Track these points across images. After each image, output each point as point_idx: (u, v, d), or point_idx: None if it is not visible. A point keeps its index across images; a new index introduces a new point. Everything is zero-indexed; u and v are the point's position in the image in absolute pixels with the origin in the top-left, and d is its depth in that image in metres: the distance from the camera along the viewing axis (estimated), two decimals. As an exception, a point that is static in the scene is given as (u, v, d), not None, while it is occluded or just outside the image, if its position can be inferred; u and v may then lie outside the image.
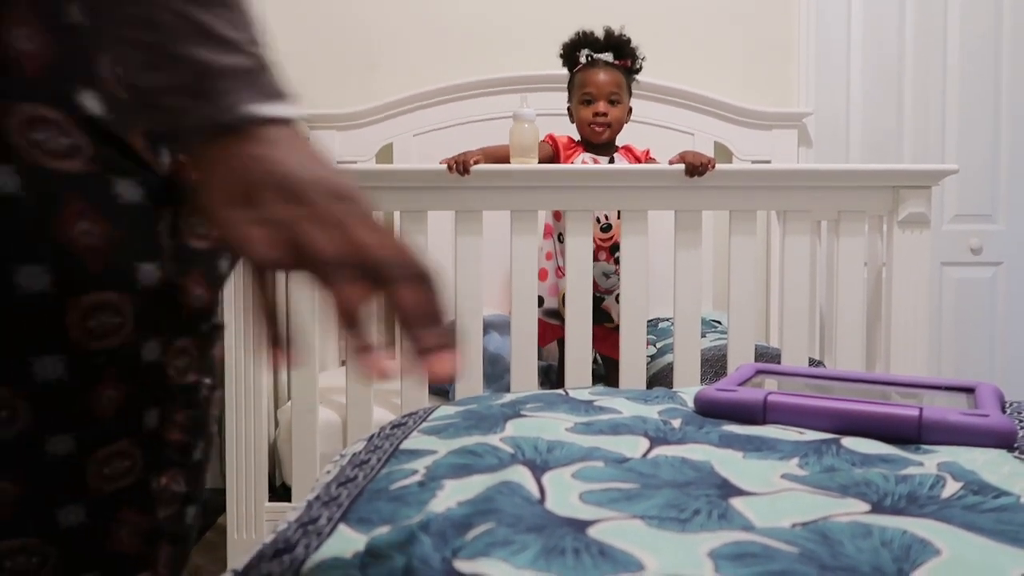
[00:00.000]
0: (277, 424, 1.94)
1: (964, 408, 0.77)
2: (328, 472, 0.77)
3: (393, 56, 2.55)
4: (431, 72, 2.52)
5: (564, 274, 1.75)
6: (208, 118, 0.43)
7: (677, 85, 2.55)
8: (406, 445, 0.74)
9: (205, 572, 1.73)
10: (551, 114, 2.18)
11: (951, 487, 0.58)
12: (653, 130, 2.48)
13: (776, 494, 0.57)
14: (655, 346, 2.15)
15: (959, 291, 2.68)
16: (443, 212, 1.76)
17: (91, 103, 0.46)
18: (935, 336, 2.60)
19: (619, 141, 2.01)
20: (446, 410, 0.89)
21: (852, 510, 0.54)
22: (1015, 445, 0.71)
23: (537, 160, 1.84)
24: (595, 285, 1.90)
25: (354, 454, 0.79)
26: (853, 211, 1.70)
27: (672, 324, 1.78)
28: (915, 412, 0.73)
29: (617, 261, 1.83)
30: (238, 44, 0.43)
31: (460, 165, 1.66)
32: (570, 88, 1.99)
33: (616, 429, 0.76)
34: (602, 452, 0.67)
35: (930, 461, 0.66)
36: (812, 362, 1.89)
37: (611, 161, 1.95)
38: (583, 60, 1.95)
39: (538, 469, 0.62)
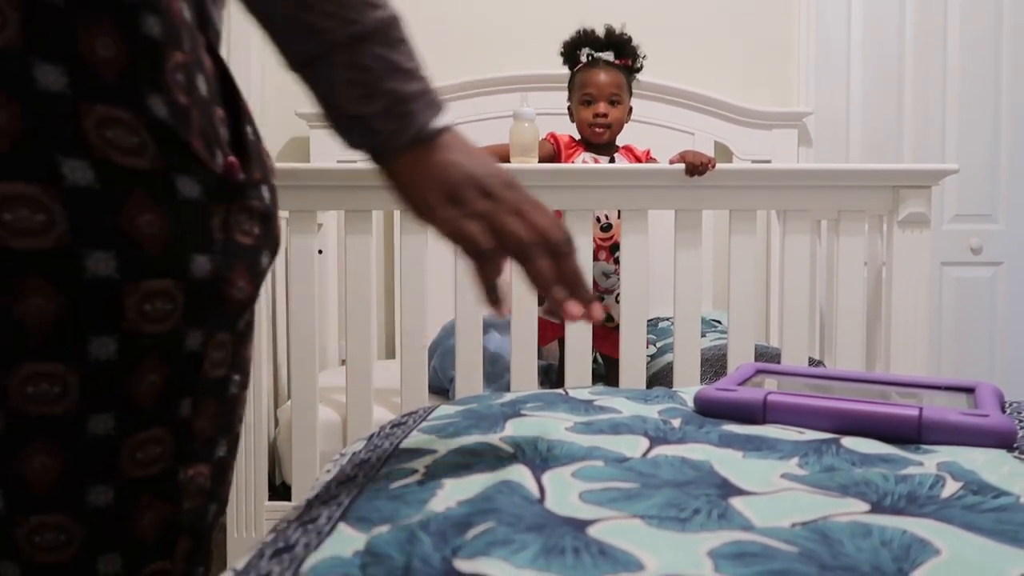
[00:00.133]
0: (277, 423, 1.94)
1: (964, 408, 0.77)
2: (328, 471, 0.77)
3: (393, 55, 2.54)
4: (431, 71, 2.51)
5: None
6: (408, 135, 0.56)
7: (677, 84, 2.56)
8: (406, 444, 0.74)
9: (205, 571, 1.73)
10: (551, 113, 2.18)
11: (951, 487, 0.58)
12: (653, 129, 2.48)
13: (776, 494, 0.57)
14: (655, 345, 2.15)
15: (959, 291, 2.68)
16: (443, 211, 1.76)
17: (158, 107, 0.50)
18: (935, 336, 2.60)
19: (619, 141, 2.01)
20: (446, 409, 0.89)
21: (852, 510, 0.54)
22: (1015, 445, 0.71)
23: (537, 159, 1.84)
24: (595, 284, 1.90)
25: (354, 453, 0.79)
26: (853, 211, 1.70)
27: (672, 324, 1.78)
28: (915, 412, 0.73)
29: (617, 261, 1.83)
30: (416, 72, 0.57)
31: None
32: (570, 87, 1.99)
33: (616, 429, 0.76)
34: (602, 451, 0.68)
35: (930, 461, 0.66)
36: (812, 362, 1.89)
37: (611, 161, 1.95)
38: (584, 59, 1.95)
39: (538, 468, 0.62)
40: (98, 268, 0.48)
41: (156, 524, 0.55)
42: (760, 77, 2.66)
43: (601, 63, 1.93)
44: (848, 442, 0.71)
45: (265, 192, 0.59)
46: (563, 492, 0.57)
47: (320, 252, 2.09)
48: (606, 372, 2.03)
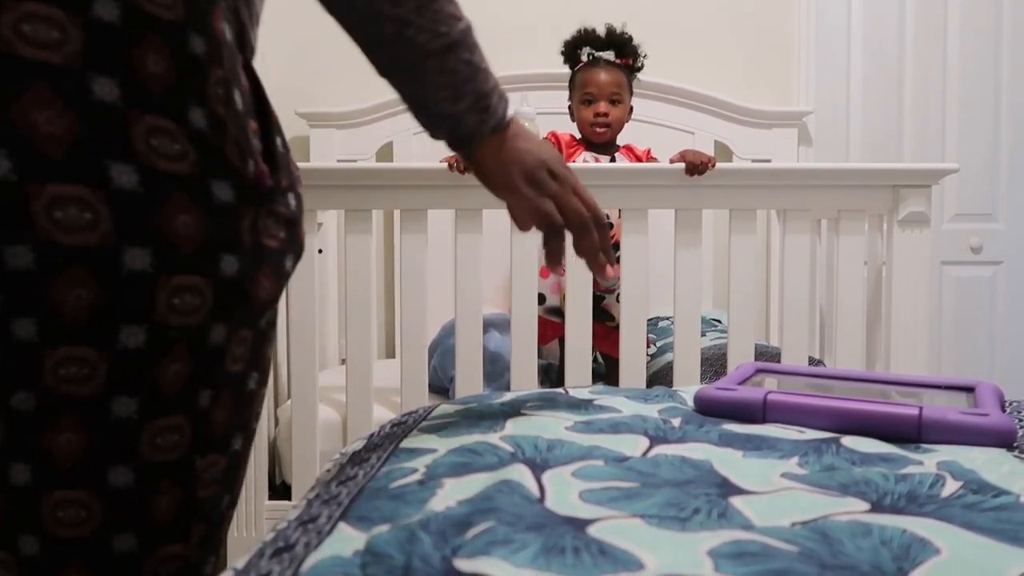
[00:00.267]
0: (277, 422, 1.94)
1: (964, 407, 0.77)
2: (328, 470, 0.77)
3: (393, 55, 2.54)
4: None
5: (566, 272, 1.75)
6: (489, 126, 0.66)
7: (677, 84, 2.55)
8: (406, 444, 0.74)
9: (205, 570, 1.73)
10: (551, 112, 2.18)
11: (951, 486, 0.58)
12: (653, 129, 2.48)
13: (776, 493, 0.57)
14: (655, 345, 2.15)
15: (959, 290, 2.68)
16: (443, 211, 1.76)
17: (198, 118, 0.54)
18: (935, 335, 2.60)
19: (620, 140, 2.01)
20: (446, 408, 0.89)
21: (852, 509, 0.54)
22: (1015, 444, 0.71)
23: (537, 159, 1.84)
24: (595, 284, 1.90)
25: (354, 452, 0.79)
26: (853, 210, 1.70)
27: (672, 323, 1.78)
28: (915, 411, 0.73)
29: (618, 260, 1.83)
30: (488, 71, 0.65)
31: (460, 164, 1.66)
32: (571, 86, 1.99)
33: (616, 428, 0.76)
34: (602, 451, 0.68)
35: (930, 460, 0.66)
36: (812, 361, 1.89)
37: (612, 160, 1.95)
38: (584, 58, 1.95)
39: (538, 468, 0.62)
40: (134, 263, 0.52)
41: (172, 509, 0.57)
42: (760, 76, 2.66)
43: (602, 62, 1.93)
44: (848, 441, 0.71)
45: (291, 199, 0.63)
46: (563, 491, 0.57)
47: (320, 252, 2.09)
48: (606, 371, 2.03)
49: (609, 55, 1.93)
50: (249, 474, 1.76)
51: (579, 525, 0.50)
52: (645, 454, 0.67)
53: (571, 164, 1.89)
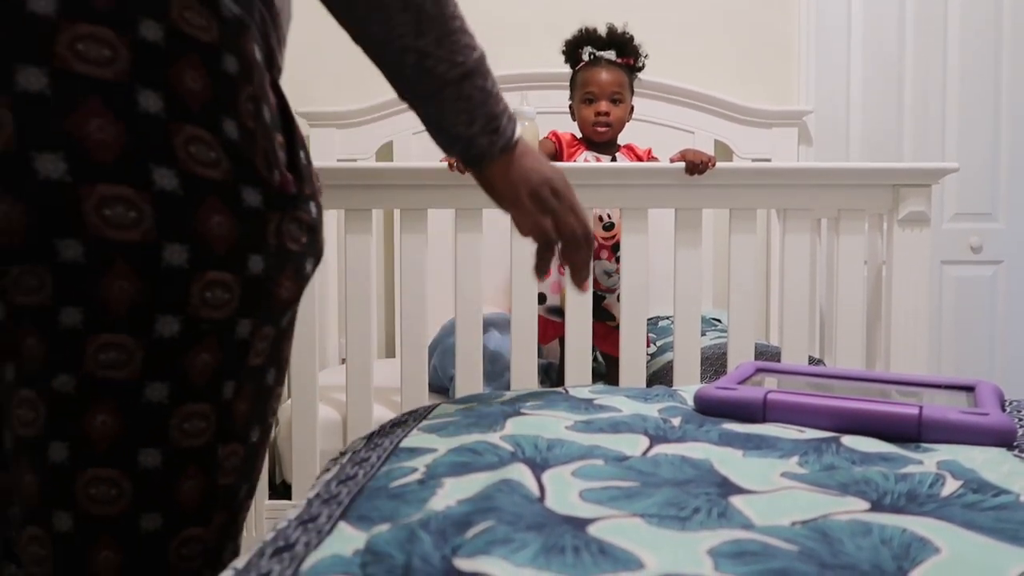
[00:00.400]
0: (277, 422, 1.94)
1: (964, 407, 0.77)
2: (328, 470, 0.77)
3: (393, 54, 2.54)
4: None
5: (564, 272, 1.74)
6: (499, 146, 0.71)
7: (677, 83, 2.55)
8: (406, 443, 0.74)
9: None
10: (552, 112, 2.18)
11: (951, 485, 0.58)
12: (653, 128, 2.48)
13: (776, 492, 0.57)
14: (655, 344, 2.15)
15: (959, 290, 2.68)
16: (443, 210, 1.76)
17: (231, 129, 0.60)
18: (935, 335, 2.60)
19: (621, 140, 2.01)
20: (446, 408, 0.89)
21: (852, 508, 0.54)
22: (1015, 444, 0.71)
23: (537, 158, 1.83)
24: (596, 283, 1.90)
25: (354, 452, 0.79)
26: (853, 209, 1.70)
27: (672, 322, 1.78)
28: (915, 411, 0.73)
29: (619, 260, 1.83)
30: (499, 95, 0.70)
31: (460, 163, 1.66)
32: (572, 86, 1.99)
33: (616, 427, 0.76)
34: (602, 450, 0.68)
35: (930, 459, 0.66)
36: (812, 360, 1.89)
37: (613, 160, 1.95)
38: (585, 58, 1.95)
39: (538, 467, 0.62)
40: (173, 259, 0.57)
41: (195, 493, 0.62)
42: (760, 76, 2.66)
43: (603, 62, 1.93)
44: (848, 441, 0.71)
45: (313, 208, 0.69)
46: (563, 491, 0.57)
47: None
48: (606, 371, 2.03)
49: (610, 54, 1.93)
50: (249, 473, 1.76)
51: (579, 524, 0.50)
52: (645, 453, 0.67)
53: (572, 163, 1.89)
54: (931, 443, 0.71)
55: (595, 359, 1.95)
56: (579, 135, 1.99)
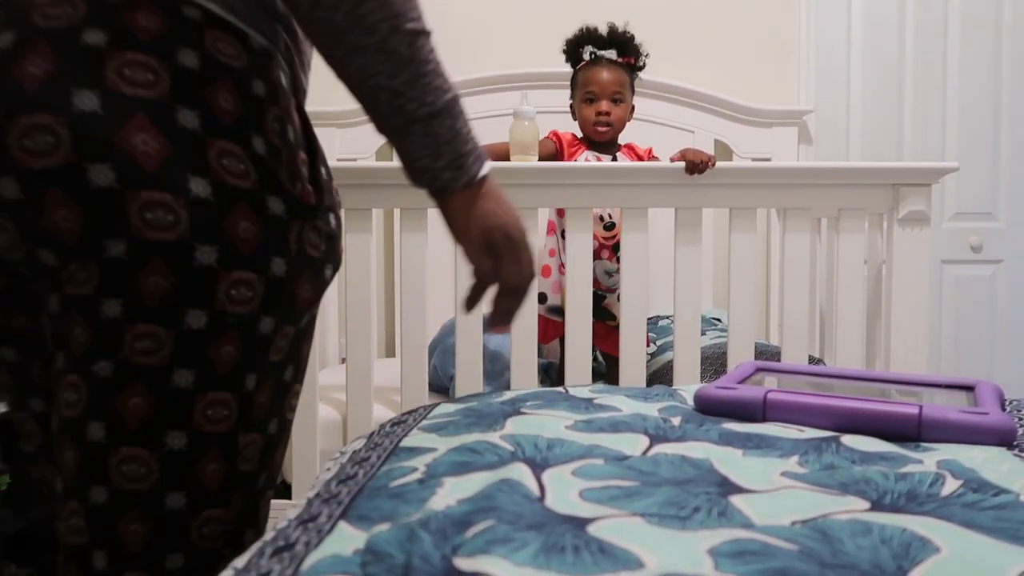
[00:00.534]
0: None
1: (964, 406, 0.77)
2: (328, 469, 0.77)
3: (393, 53, 2.54)
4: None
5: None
6: (462, 182, 0.73)
7: (677, 83, 2.55)
8: (406, 443, 0.74)
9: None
10: (552, 111, 2.18)
11: (951, 485, 0.58)
12: (653, 127, 2.48)
13: (776, 492, 0.57)
14: (655, 344, 2.15)
15: (959, 289, 2.68)
16: (443, 210, 1.75)
17: (258, 145, 0.67)
18: (935, 334, 2.60)
19: (621, 139, 2.00)
20: (446, 408, 0.89)
21: (852, 508, 0.54)
22: (1015, 443, 0.71)
23: (537, 157, 1.83)
24: (597, 283, 1.90)
25: (354, 451, 0.79)
26: (853, 209, 1.70)
27: (672, 322, 1.78)
28: (915, 410, 0.73)
29: (618, 260, 1.83)
30: (469, 135, 0.73)
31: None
32: (573, 85, 1.99)
33: (616, 427, 0.76)
34: (602, 450, 0.68)
35: (930, 459, 0.66)
36: (812, 360, 1.89)
37: (614, 159, 1.95)
38: (586, 57, 1.95)
39: (538, 467, 0.62)
40: (203, 258, 0.64)
41: (217, 476, 0.68)
42: (760, 75, 2.66)
43: (604, 61, 1.92)
44: (848, 440, 0.71)
45: (332, 218, 0.76)
46: (563, 490, 0.57)
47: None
48: (606, 370, 2.03)
49: (611, 54, 1.93)
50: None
51: (579, 524, 0.50)
52: (645, 453, 0.67)
53: (573, 163, 1.89)
54: (931, 442, 0.71)
55: (595, 359, 1.95)
56: (580, 135, 1.99)
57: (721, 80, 2.61)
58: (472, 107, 2.55)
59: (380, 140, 2.55)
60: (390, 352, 2.65)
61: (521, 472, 0.60)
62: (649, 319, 2.18)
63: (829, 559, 0.45)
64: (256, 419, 0.71)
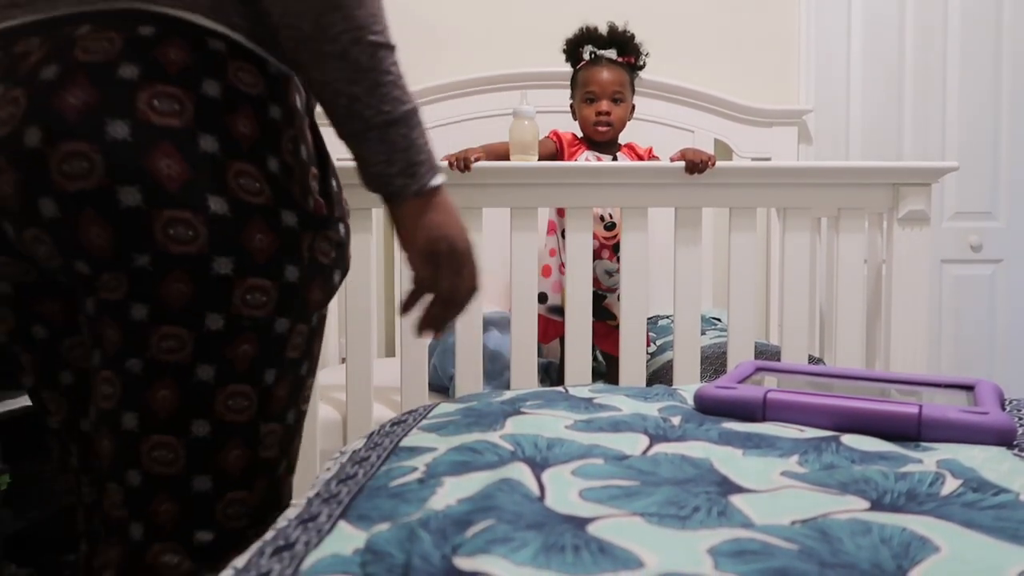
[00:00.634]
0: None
1: (964, 406, 0.77)
2: (328, 469, 0.77)
3: (393, 53, 2.54)
4: (431, 69, 2.51)
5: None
6: (412, 189, 0.77)
7: (677, 82, 2.55)
8: (406, 442, 0.74)
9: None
10: (552, 111, 2.18)
11: (950, 484, 0.58)
12: (653, 127, 2.48)
13: (776, 491, 0.57)
14: (655, 343, 2.15)
15: (959, 288, 2.68)
16: (443, 209, 1.75)
17: (273, 164, 0.73)
18: (935, 333, 2.60)
19: (621, 139, 2.00)
20: (446, 407, 0.89)
21: (852, 507, 0.54)
22: (1014, 443, 0.71)
23: (537, 157, 1.83)
24: (597, 283, 1.90)
25: (354, 451, 0.79)
26: (853, 208, 1.70)
27: (672, 321, 1.78)
28: (915, 409, 0.73)
29: (619, 259, 1.83)
30: (424, 146, 0.76)
31: (461, 162, 1.65)
32: (573, 85, 1.99)
33: (616, 427, 0.76)
34: (602, 449, 0.68)
35: (929, 458, 0.66)
36: (812, 359, 1.89)
37: (614, 159, 1.95)
38: (586, 57, 1.94)
39: (538, 466, 0.62)
40: (220, 268, 0.70)
41: (240, 462, 0.75)
42: (760, 74, 2.66)
43: (604, 61, 1.92)
44: (848, 440, 0.71)
45: (341, 228, 0.82)
46: (563, 490, 0.57)
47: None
48: (606, 370, 2.03)
49: (611, 53, 1.93)
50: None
51: (579, 523, 0.50)
52: (645, 452, 0.67)
53: (573, 163, 1.89)
54: (931, 442, 0.72)
55: (595, 358, 1.95)
56: (580, 134, 1.99)
57: (721, 80, 2.61)
58: (472, 107, 2.57)
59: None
60: (390, 352, 2.65)
61: (521, 472, 0.60)
62: (649, 319, 2.18)
63: (829, 559, 0.45)
64: (276, 410, 0.77)
